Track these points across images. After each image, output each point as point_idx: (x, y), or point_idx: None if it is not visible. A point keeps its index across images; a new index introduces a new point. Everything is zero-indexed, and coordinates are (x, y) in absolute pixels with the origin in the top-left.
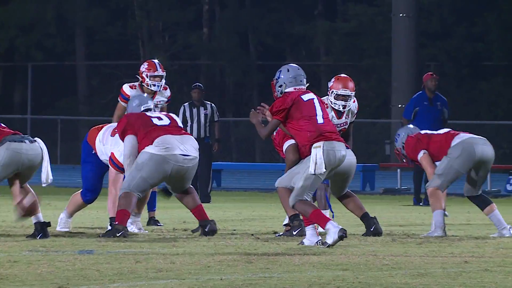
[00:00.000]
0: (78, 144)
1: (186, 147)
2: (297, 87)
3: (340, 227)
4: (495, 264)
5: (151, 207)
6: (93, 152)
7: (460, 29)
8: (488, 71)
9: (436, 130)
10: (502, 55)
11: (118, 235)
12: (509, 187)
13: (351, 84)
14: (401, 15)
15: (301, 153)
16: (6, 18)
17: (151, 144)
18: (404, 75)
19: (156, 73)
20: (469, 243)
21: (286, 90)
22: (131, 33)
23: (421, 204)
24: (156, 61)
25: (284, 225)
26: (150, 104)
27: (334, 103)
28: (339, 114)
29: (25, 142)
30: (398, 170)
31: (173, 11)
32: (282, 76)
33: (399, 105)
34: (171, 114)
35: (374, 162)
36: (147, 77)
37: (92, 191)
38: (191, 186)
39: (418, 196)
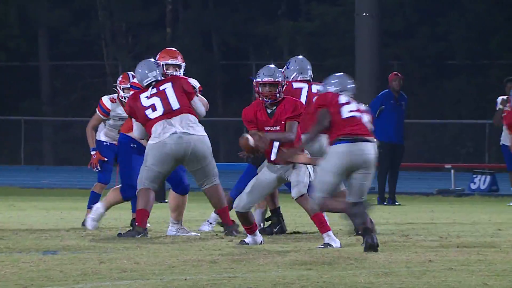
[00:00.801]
0: (42, 145)
1: (182, 125)
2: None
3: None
4: (459, 263)
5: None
6: (132, 146)
7: (423, 29)
8: (451, 70)
9: (400, 130)
10: (465, 54)
11: (138, 236)
12: (472, 186)
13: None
14: (364, 14)
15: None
16: None
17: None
18: (367, 74)
19: (129, 85)
20: (433, 242)
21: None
22: (94, 34)
23: (385, 203)
24: (130, 73)
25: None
26: (158, 75)
27: None
28: None
29: None
30: None
31: (136, 12)
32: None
33: (363, 104)
34: (165, 92)
35: None
36: (120, 89)
37: (132, 187)
38: (217, 183)
39: (383, 195)
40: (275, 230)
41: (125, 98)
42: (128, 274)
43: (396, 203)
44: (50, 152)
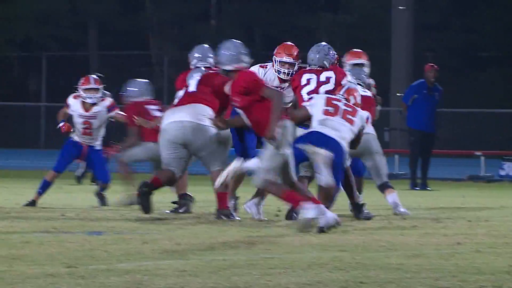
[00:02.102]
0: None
1: (180, 114)
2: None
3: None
4: (487, 245)
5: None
6: None
7: (456, 21)
8: (483, 61)
9: (431, 119)
10: (496, 46)
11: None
12: (501, 172)
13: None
14: (400, 7)
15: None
16: (22, 10)
17: None
18: (403, 65)
19: (90, 86)
20: (462, 226)
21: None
22: (141, 25)
23: (417, 188)
24: (93, 76)
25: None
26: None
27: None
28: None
29: None
30: (396, 156)
31: (182, 4)
32: None
33: (398, 94)
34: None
35: None
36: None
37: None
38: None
39: (415, 180)
40: (181, 211)
41: (86, 99)
42: (169, 254)
43: (428, 189)
44: None
